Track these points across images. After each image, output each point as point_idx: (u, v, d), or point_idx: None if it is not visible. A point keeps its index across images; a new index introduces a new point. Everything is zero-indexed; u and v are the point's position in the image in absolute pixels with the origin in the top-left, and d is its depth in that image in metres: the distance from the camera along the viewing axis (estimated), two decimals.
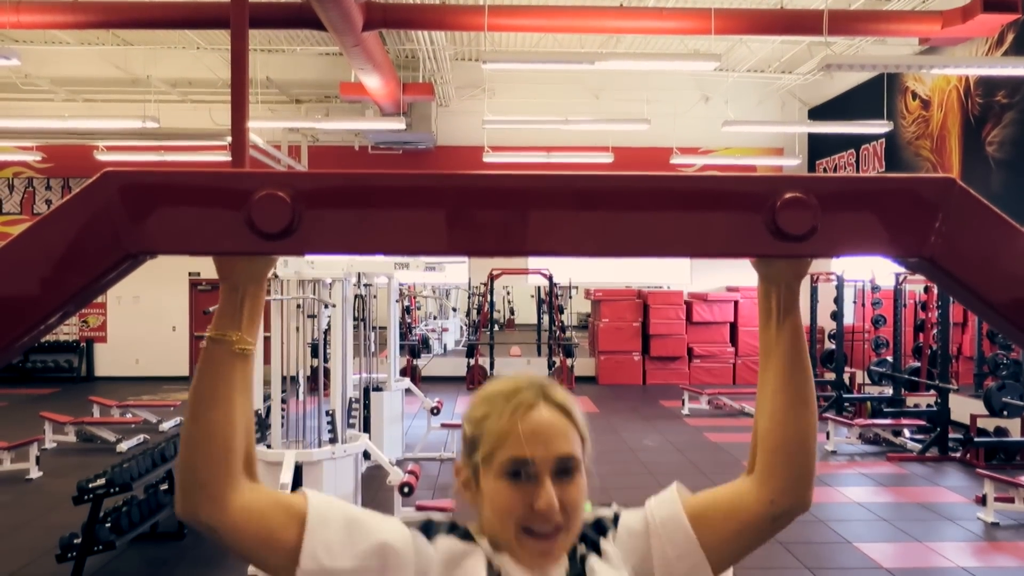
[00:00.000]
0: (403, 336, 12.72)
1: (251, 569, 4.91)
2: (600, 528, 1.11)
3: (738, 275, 14.16)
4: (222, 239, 0.70)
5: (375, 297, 8.65)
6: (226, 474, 0.97)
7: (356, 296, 7.47)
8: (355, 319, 7.28)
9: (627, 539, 1.09)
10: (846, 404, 10.64)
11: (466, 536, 1.08)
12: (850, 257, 0.68)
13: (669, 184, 0.68)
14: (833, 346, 11.39)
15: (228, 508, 0.97)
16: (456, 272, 14.70)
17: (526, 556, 1.03)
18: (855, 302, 11.75)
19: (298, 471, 5.39)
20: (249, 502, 0.98)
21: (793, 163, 13.92)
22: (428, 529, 1.08)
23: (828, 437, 9.01)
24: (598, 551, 1.09)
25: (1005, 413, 7.91)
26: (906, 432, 9.08)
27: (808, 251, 0.66)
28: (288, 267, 5.61)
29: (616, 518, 1.12)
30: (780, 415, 1.01)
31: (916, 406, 9.72)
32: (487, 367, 13.43)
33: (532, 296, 16.13)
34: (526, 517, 1.02)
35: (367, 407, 7.88)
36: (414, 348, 14.18)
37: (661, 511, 1.09)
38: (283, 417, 5.70)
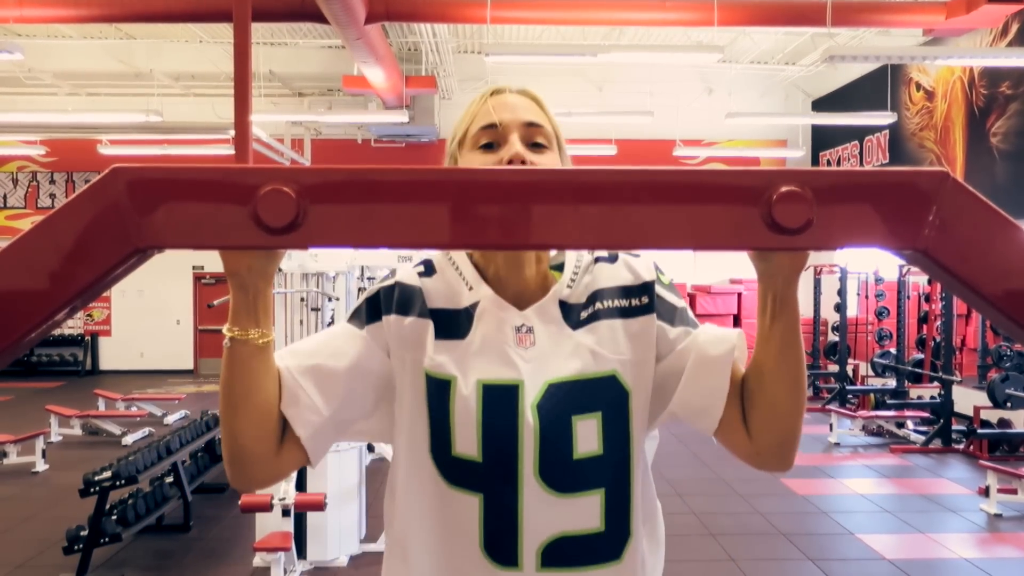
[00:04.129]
0: None
1: (256, 560, 4.95)
2: (644, 295, 1.11)
3: (741, 268, 14.15)
4: (228, 234, 0.71)
5: None
6: (272, 445, 1.04)
7: (360, 289, 7.48)
8: None
9: (670, 339, 1.10)
10: (849, 396, 10.65)
11: (409, 302, 1.09)
12: (845, 249, 0.69)
13: (667, 178, 0.70)
14: (837, 338, 11.40)
15: (279, 459, 1.05)
16: None
17: None
18: (859, 294, 11.76)
19: None
20: (291, 441, 1.05)
21: (796, 155, 13.89)
22: (375, 312, 1.11)
23: (831, 429, 9.02)
24: (624, 313, 1.09)
25: (1009, 405, 7.91)
26: (909, 424, 9.09)
27: (804, 244, 0.67)
28: (292, 261, 5.63)
29: (680, 314, 1.12)
30: (772, 393, 1.04)
31: (919, 398, 9.73)
32: None
33: None
34: None
35: None
36: None
37: (715, 348, 1.08)
38: None
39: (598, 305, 1.09)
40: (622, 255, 1.15)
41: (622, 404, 1.06)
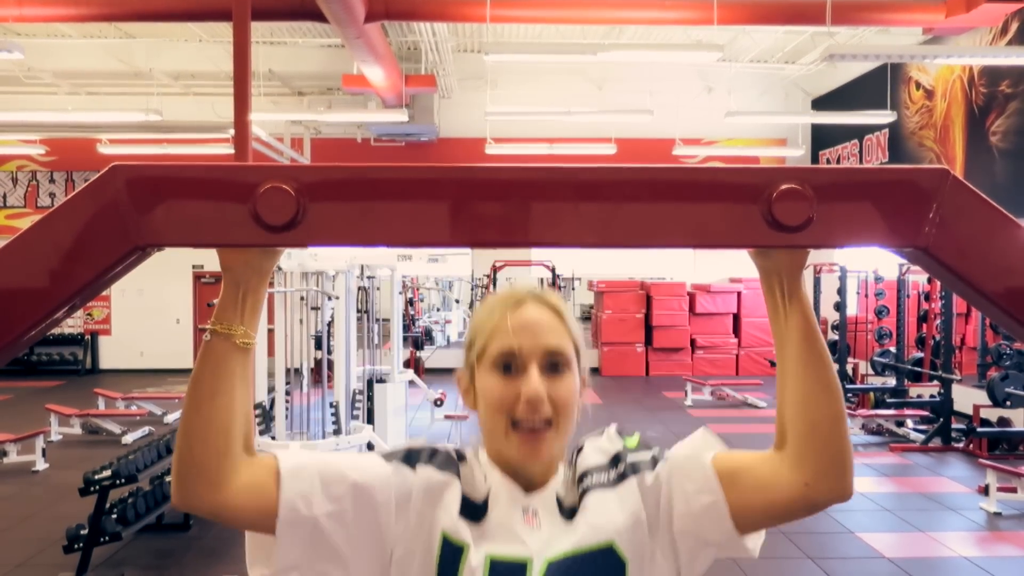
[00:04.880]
0: (406, 328, 12.74)
1: None
2: (619, 464, 1.10)
3: (741, 266, 14.15)
4: (228, 232, 0.71)
5: (378, 289, 8.67)
6: (225, 458, 0.98)
7: (359, 288, 7.48)
8: (358, 311, 7.30)
9: (648, 486, 1.08)
10: (849, 395, 10.64)
11: (446, 464, 1.08)
12: (846, 247, 0.69)
13: (668, 176, 0.69)
14: (836, 337, 11.39)
15: (226, 489, 0.98)
16: (459, 264, 14.66)
17: (515, 453, 1.05)
18: (858, 293, 11.75)
19: None
20: (244, 478, 0.99)
21: (796, 153, 13.89)
22: (410, 458, 1.08)
23: None
24: (617, 482, 1.08)
25: (1008, 403, 7.91)
26: (909, 422, 9.09)
27: (804, 241, 0.67)
28: (291, 259, 5.63)
29: (652, 461, 1.11)
30: (803, 402, 0.98)
31: (919, 396, 9.72)
32: None
33: None
34: (515, 409, 1.03)
35: (371, 399, 7.90)
36: (417, 340, 14.20)
37: (683, 449, 1.09)
38: (287, 409, 5.72)
39: (585, 483, 1.09)
40: (587, 442, 1.16)
41: (620, 575, 1.05)
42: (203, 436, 0.96)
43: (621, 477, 1.09)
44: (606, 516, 1.06)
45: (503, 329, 1.08)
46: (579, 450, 1.15)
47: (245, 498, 0.99)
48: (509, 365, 1.07)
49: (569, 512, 1.07)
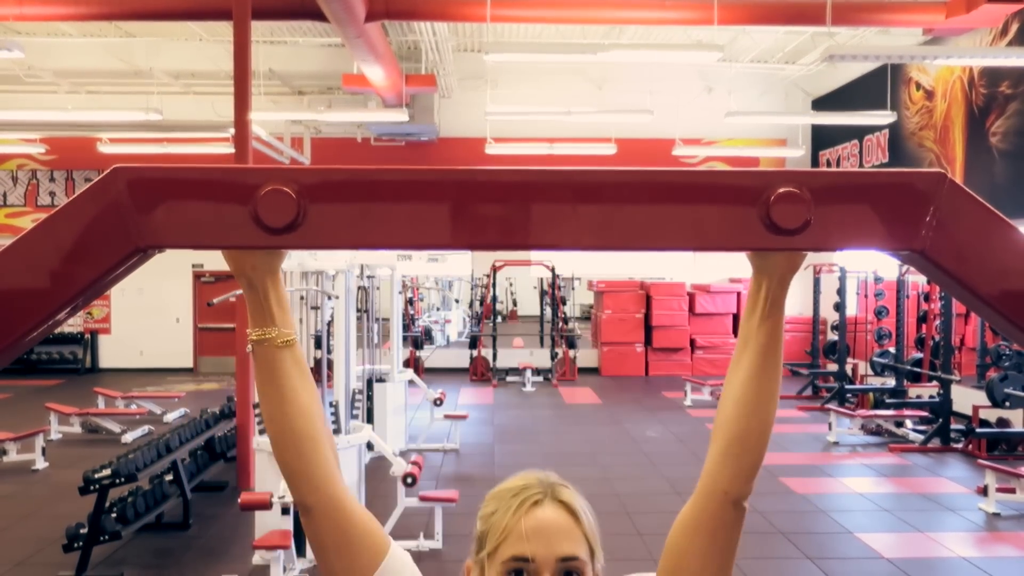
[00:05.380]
0: (406, 328, 12.75)
1: (255, 559, 4.95)
2: None
3: (740, 267, 14.14)
4: (229, 233, 0.71)
5: (378, 289, 8.67)
6: (319, 461, 1.00)
7: (359, 288, 7.48)
8: (358, 311, 7.30)
9: None
10: (848, 395, 10.66)
11: None
12: (843, 250, 0.70)
13: (666, 179, 0.70)
14: (836, 337, 11.40)
15: (325, 491, 1.00)
16: (459, 264, 14.66)
17: None
18: (858, 293, 11.76)
19: None
20: (343, 496, 1.02)
21: (796, 154, 13.89)
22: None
23: (830, 428, 9.03)
24: None
25: (1007, 404, 7.92)
26: (908, 423, 9.10)
27: (802, 244, 0.67)
28: (291, 259, 5.63)
29: None
30: (745, 406, 1.01)
31: (918, 397, 9.73)
32: (490, 358, 13.46)
33: (535, 287, 16.16)
34: None
35: (370, 398, 7.91)
36: (417, 339, 14.21)
37: None
38: None
39: None
40: None
41: None
42: (291, 446, 0.98)
43: None
44: None
45: (517, 533, 1.05)
46: None
47: (336, 513, 1.02)
48: (521, 572, 1.05)
49: None
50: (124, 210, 0.70)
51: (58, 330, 13.15)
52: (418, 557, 1.58)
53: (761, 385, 0.99)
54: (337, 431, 5.83)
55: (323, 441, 1.00)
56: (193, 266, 14.59)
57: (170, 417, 9.84)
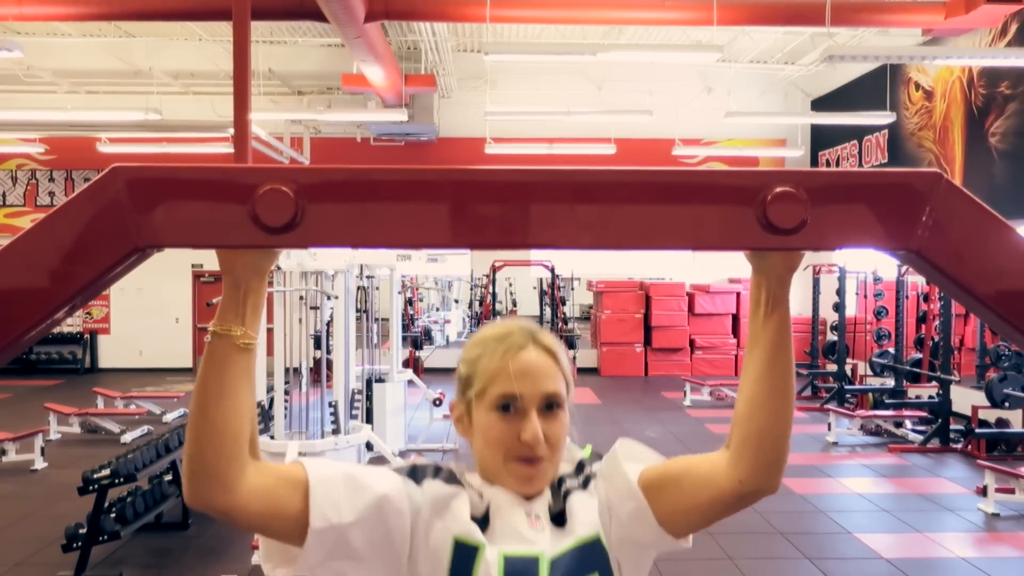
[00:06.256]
0: (405, 328, 12.74)
1: (255, 558, 4.95)
2: (582, 471, 1.21)
3: (740, 266, 14.11)
4: (227, 233, 0.71)
5: (377, 289, 8.67)
6: (235, 462, 1.00)
7: (358, 287, 7.48)
8: (357, 311, 7.30)
9: (600, 494, 1.19)
10: (848, 395, 10.66)
11: (451, 479, 1.16)
12: (840, 250, 0.70)
13: (663, 179, 0.70)
14: (835, 337, 11.40)
15: (238, 492, 1.01)
16: (458, 264, 14.69)
17: (513, 481, 1.14)
18: (857, 293, 11.76)
19: None
20: (256, 482, 1.03)
21: (796, 154, 13.90)
22: (415, 474, 1.16)
23: (830, 428, 9.03)
24: (584, 487, 1.19)
25: (1006, 404, 7.92)
26: (907, 423, 9.10)
27: (798, 244, 0.67)
28: (291, 259, 5.63)
29: (592, 474, 1.21)
30: (759, 403, 1.04)
31: (918, 397, 9.73)
32: None
33: (534, 288, 16.15)
34: (514, 447, 1.13)
35: (369, 398, 7.91)
36: (416, 340, 14.19)
37: (606, 462, 1.20)
38: (286, 408, 5.72)
39: (564, 487, 1.19)
40: (562, 463, 1.24)
41: (606, 563, 1.15)
42: (213, 440, 0.98)
43: (586, 482, 1.20)
44: (588, 514, 1.16)
45: (504, 374, 1.16)
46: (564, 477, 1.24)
47: (261, 503, 1.03)
48: (508, 406, 1.15)
49: (558, 518, 1.16)
50: (123, 209, 0.70)
51: (57, 330, 13.07)
52: None
53: (771, 382, 1.03)
54: (337, 431, 5.83)
55: (246, 447, 1.01)
56: (193, 266, 14.58)
57: (169, 417, 9.84)
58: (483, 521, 1.14)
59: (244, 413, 1.00)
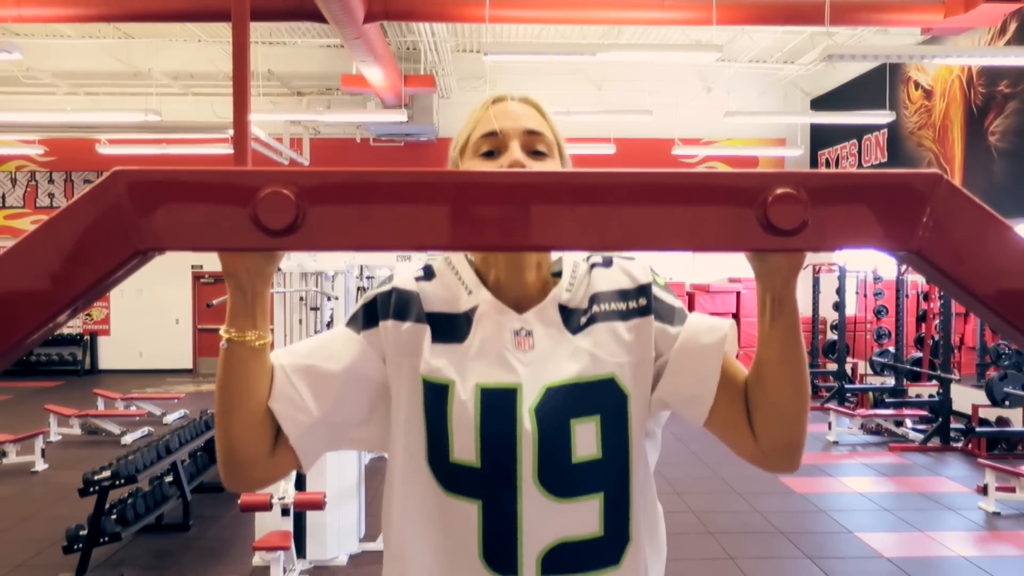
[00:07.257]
0: None
1: (256, 559, 4.95)
2: (642, 297, 1.12)
3: (740, 267, 14.14)
4: (228, 236, 0.71)
5: None
6: (265, 442, 1.05)
7: (358, 288, 7.48)
8: None
9: (666, 337, 1.11)
10: (848, 394, 10.66)
11: (406, 309, 1.10)
12: (840, 250, 0.70)
13: (663, 179, 0.70)
14: (835, 337, 11.41)
15: (273, 466, 1.07)
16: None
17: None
18: (857, 292, 11.77)
19: None
20: (281, 447, 1.07)
21: (795, 153, 13.90)
22: (372, 318, 1.12)
23: (830, 427, 9.03)
24: (620, 315, 1.10)
25: (1007, 403, 7.92)
26: (908, 422, 9.10)
27: (799, 245, 0.67)
28: (291, 260, 5.63)
29: (679, 317, 1.14)
30: (774, 398, 1.05)
31: (918, 396, 9.74)
32: None
33: None
34: None
35: None
36: None
37: (703, 334, 1.11)
38: None
39: (595, 308, 1.10)
40: (617, 259, 1.16)
41: (621, 407, 1.07)
42: (246, 434, 1.02)
43: (641, 312, 1.11)
44: (609, 349, 1.08)
45: (486, 118, 1.12)
46: (591, 266, 1.15)
47: (283, 456, 1.07)
48: (492, 151, 1.10)
49: (575, 327, 1.08)
50: (124, 212, 0.71)
51: (58, 332, 13.16)
52: None
53: (786, 378, 1.03)
54: None
55: (271, 433, 1.05)
56: (192, 267, 14.59)
57: (170, 418, 9.84)
58: (463, 323, 1.08)
59: (264, 401, 1.04)
